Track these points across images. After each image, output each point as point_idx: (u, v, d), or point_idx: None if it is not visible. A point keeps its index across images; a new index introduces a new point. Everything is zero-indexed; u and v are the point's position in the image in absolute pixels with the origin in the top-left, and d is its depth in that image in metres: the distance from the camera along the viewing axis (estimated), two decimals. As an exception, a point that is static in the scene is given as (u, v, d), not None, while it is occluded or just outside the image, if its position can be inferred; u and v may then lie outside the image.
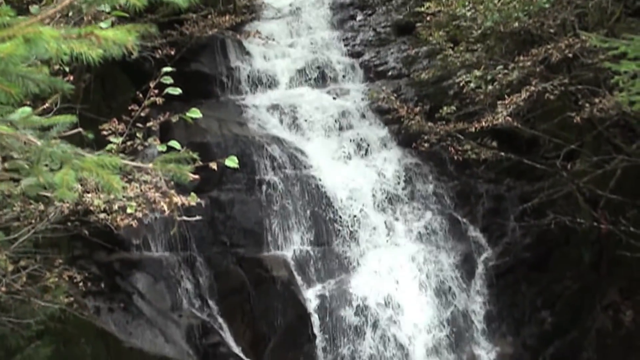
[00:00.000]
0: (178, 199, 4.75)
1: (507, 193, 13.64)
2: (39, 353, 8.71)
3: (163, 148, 5.21)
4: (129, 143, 6.68)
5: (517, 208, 12.81)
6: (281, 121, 14.86)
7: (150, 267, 12.32)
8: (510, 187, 13.41)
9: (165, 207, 4.52)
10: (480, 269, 13.55)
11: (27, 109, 3.08)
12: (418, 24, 13.49)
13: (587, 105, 9.62)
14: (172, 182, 5.69)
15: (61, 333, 9.66)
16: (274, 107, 15.12)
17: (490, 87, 10.72)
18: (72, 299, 8.49)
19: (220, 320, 12.41)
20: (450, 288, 13.13)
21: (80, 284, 8.61)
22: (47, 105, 4.57)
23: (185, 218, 4.85)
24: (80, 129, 3.24)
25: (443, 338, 12.78)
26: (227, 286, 12.68)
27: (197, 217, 5.22)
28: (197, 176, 3.51)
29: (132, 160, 3.61)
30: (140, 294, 11.92)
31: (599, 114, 9.42)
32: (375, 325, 12.53)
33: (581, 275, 12.32)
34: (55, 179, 2.76)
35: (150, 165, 3.27)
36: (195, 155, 3.58)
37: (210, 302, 12.56)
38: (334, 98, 15.48)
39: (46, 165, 3.01)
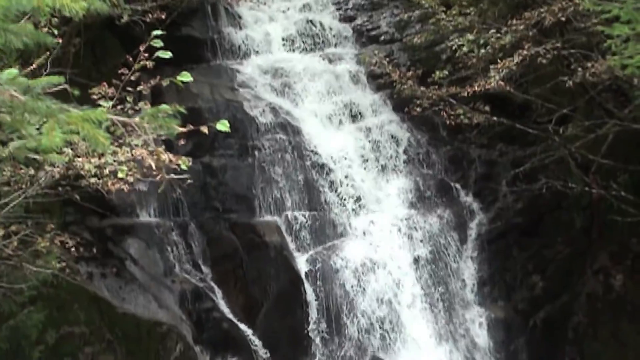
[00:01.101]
0: (166, 156, 4.70)
1: (499, 158, 13.64)
2: (32, 318, 8.72)
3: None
4: (119, 107, 6.63)
5: (509, 173, 12.82)
6: (273, 86, 14.79)
7: (142, 233, 12.31)
8: (502, 152, 13.41)
9: (153, 165, 4.49)
10: (472, 234, 13.59)
11: (14, 71, 3.04)
12: (410, -13, 13.39)
13: (579, 69, 9.58)
14: (164, 147, 5.67)
15: (54, 298, 9.66)
16: (266, 72, 15.04)
17: (482, 51, 10.67)
18: (64, 264, 8.48)
19: (213, 285, 12.44)
20: (441, 253, 13.18)
21: (73, 249, 8.59)
22: (34, 66, 4.53)
23: (173, 176, 4.82)
24: (66, 86, 3.20)
25: (434, 302, 12.86)
26: (219, 252, 12.69)
27: (185, 176, 5.18)
28: (185, 129, 3.48)
29: (123, 125, 3.59)
30: (133, 260, 11.93)
31: (592, 78, 9.39)
32: (367, 289, 12.59)
33: (572, 240, 12.36)
34: (43, 140, 2.73)
35: (137, 119, 3.24)
36: (182, 109, 3.54)
37: (203, 268, 12.58)
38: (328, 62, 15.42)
39: (37, 129, 2.98)
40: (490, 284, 13.21)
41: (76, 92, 3.61)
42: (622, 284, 11.13)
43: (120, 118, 3.29)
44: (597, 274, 11.54)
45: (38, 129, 3.01)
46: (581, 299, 11.62)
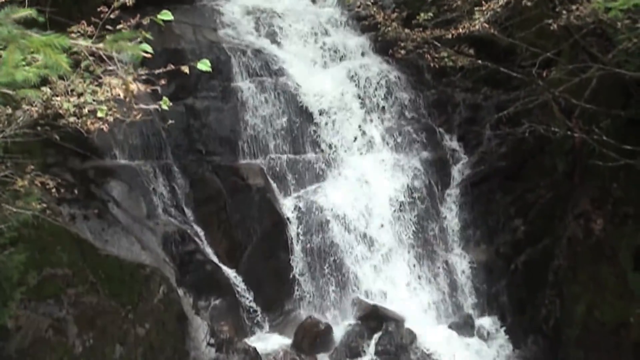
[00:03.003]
0: (135, 86, 4.61)
1: (483, 102, 13.60)
2: (12, 260, 8.70)
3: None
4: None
5: (493, 117, 12.80)
6: (257, 28, 14.62)
7: (125, 175, 12.26)
8: (487, 96, 13.36)
9: (122, 94, 4.42)
10: (455, 177, 13.64)
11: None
12: None
13: (564, 12, 9.50)
14: (149, 90, 5.58)
15: (35, 240, 9.63)
16: (249, 13, 14.85)
17: (468, -7, 10.53)
18: (45, 206, 8.42)
19: (197, 228, 12.46)
20: (425, 196, 13.23)
21: (54, 190, 8.53)
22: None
23: (143, 106, 4.75)
24: (30, 11, 3.13)
25: (417, 245, 12.95)
26: (203, 194, 12.68)
27: (166, 107, 5.09)
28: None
29: (91, 54, 3.52)
30: (116, 202, 11.90)
31: (576, 21, 9.31)
32: (350, 231, 12.67)
33: (554, 185, 12.42)
34: (17, 74, 2.68)
35: (101, 45, 3.19)
36: (148, 35, 3.48)
37: (186, 210, 12.59)
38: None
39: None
40: (472, 228, 13.30)
41: (41, 19, 3.53)
42: (602, 228, 11.20)
43: (84, 42, 3.24)
44: (578, 218, 11.61)
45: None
46: (562, 243, 11.71)
